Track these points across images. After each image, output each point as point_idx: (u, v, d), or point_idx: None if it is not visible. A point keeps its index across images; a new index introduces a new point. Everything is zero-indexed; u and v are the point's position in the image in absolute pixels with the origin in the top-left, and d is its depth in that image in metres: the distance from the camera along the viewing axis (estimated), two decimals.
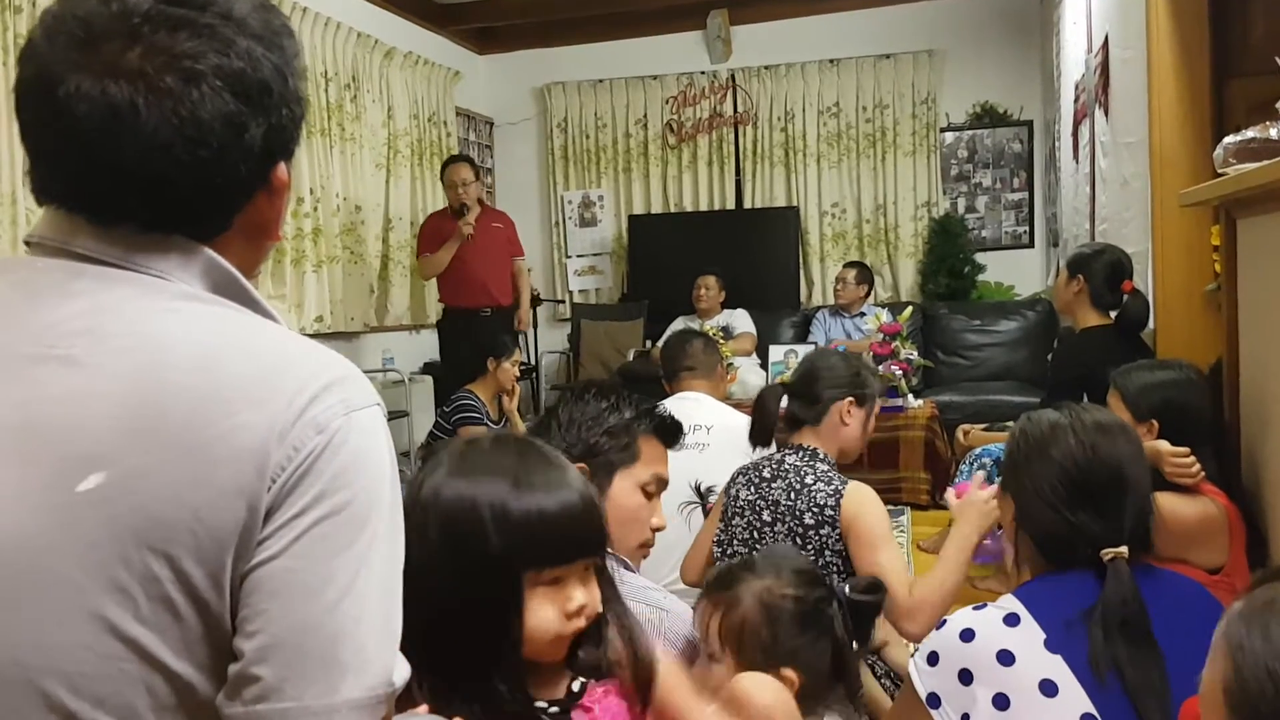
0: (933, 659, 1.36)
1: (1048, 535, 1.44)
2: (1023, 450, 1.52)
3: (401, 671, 0.79)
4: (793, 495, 2.29)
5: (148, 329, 0.77)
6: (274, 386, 0.76)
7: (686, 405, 3.14)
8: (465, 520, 1.05)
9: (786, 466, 2.35)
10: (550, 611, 1.06)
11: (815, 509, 2.26)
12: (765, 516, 2.28)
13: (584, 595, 1.09)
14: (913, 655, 1.43)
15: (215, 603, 0.74)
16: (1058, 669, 1.30)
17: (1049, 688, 1.29)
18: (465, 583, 1.04)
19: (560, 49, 7.06)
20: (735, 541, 2.29)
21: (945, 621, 1.40)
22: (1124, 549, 1.38)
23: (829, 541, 2.25)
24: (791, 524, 2.25)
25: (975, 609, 1.39)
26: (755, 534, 2.27)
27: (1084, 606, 1.35)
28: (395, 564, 0.80)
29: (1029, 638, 1.33)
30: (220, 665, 0.76)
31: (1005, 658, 1.31)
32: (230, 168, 0.80)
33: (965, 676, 1.33)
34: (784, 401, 2.42)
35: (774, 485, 2.31)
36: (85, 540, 0.72)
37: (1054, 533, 1.43)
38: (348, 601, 0.75)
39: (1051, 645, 1.32)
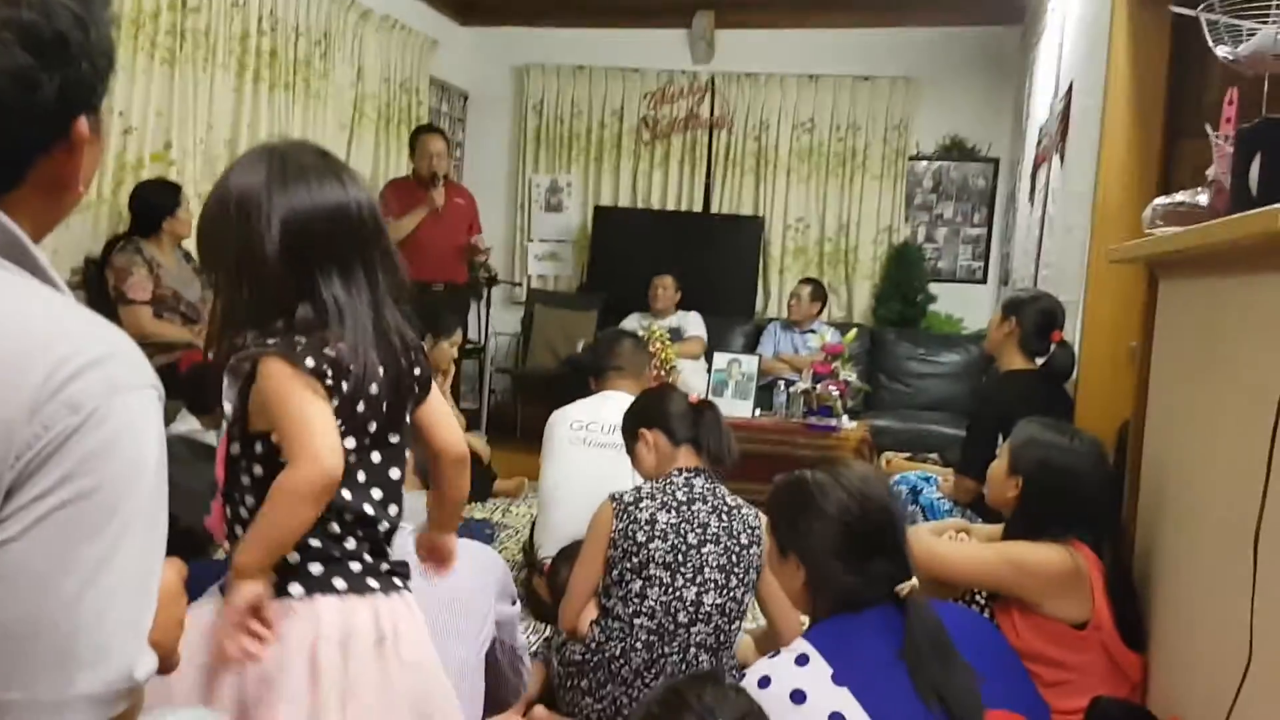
0: None
1: (844, 589, 1.53)
2: (793, 510, 1.60)
3: (145, 666, 0.76)
4: (724, 516, 2.30)
5: None
6: (33, 359, 0.72)
7: (609, 405, 3.13)
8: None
9: (699, 489, 2.34)
10: None
11: (749, 530, 2.30)
12: (691, 539, 2.26)
13: None
14: None
15: None
16: (845, 700, 1.39)
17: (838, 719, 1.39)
18: None
19: (543, 30, 7.00)
20: (653, 564, 2.25)
21: (745, 673, 1.50)
22: (915, 581, 1.51)
23: (754, 561, 2.27)
24: (728, 544, 2.27)
25: (770, 657, 1.50)
26: (680, 557, 2.25)
27: (879, 639, 1.46)
28: (151, 557, 0.77)
29: (817, 674, 1.42)
30: None
31: (798, 696, 1.41)
32: (19, 124, 0.76)
33: None
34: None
35: (694, 507, 2.30)
36: None
37: (849, 585, 1.52)
38: (90, 595, 0.71)
39: (838, 679, 1.41)
